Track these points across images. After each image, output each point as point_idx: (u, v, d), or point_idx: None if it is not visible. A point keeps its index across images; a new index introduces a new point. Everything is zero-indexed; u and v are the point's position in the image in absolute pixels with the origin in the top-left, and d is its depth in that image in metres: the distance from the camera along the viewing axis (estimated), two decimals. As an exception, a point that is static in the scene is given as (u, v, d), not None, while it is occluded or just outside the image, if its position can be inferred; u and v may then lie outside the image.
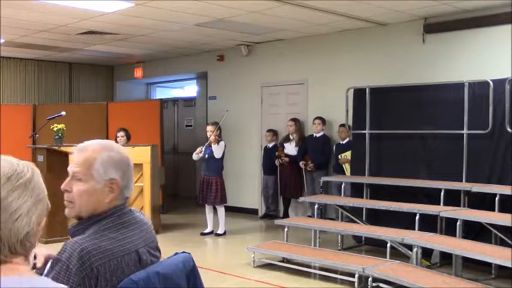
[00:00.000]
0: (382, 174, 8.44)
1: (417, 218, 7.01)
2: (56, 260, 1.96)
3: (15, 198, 1.33)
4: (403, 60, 9.17)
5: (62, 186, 2.13)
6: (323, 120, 9.99)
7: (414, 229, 6.98)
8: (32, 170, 1.42)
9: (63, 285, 1.43)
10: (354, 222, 8.12)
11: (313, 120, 10.04)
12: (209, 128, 9.15)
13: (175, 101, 15.16)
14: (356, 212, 8.32)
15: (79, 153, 2.15)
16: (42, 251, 2.23)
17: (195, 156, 9.26)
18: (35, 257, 2.17)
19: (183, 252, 2.35)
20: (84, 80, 14.34)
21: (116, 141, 9.78)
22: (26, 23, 9.25)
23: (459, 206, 7.19)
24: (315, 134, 10.07)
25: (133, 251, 2.09)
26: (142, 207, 9.04)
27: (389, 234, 6.81)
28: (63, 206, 2.15)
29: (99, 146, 2.16)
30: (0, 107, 11.87)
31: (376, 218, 8.09)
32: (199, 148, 9.17)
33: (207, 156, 9.11)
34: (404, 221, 7.44)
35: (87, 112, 12.26)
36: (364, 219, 8.27)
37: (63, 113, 9.15)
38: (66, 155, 8.16)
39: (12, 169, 1.37)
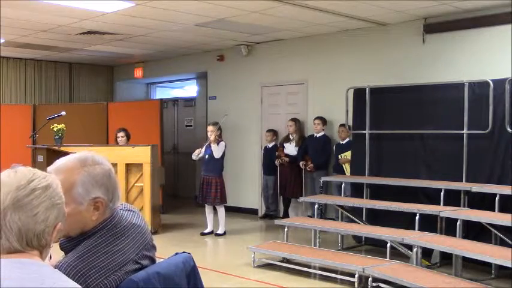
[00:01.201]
0: (382, 174, 8.43)
1: (417, 218, 7.01)
2: None
3: (36, 197, 1.52)
4: (403, 60, 9.16)
5: None
6: (323, 120, 9.99)
7: (414, 229, 6.98)
8: (52, 179, 1.61)
9: (70, 280, 1.55)
10: (354, 222, 8.12)
11: (314, 120, 10.05)
12: (210, 128, 9.15)
13: (175, 101, 15.15)
14: (356, 212, 8.32)
15: (56, 175, 2.00)
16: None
17: (194, 157, 9.28)
18: (50, 257, 2.15)
19: (183, 252, 2.34)
20: (84, 80, 14.34)
21: (116, 142, 9.83)
22: (26, 23, 9.25)
23: (459, 206, 7.19)
24: (315, 134, 10.07)
25: (130, 260, 2.06)
26: (143, 207, 9.04)
27: (390, 234, 6.81)
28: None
29: (76, 164, 2.07)
30: (0, 107, 11.86)
31: (376, 218, 8.08)
32: (198, 150, 9.20)
33: (207, 156, 9.11)
34: (404, 221, 7.44)
35: (87, 112, 12.26)
36: (364, 219, 8.27)
37: (63, 113, 9.15)
38: (66, 155, 8.16)
39: (35, 175, 1.57)
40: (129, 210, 2.23)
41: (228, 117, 9.75)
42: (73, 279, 1.86)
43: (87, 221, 2.04)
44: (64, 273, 1.85)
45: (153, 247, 2.23)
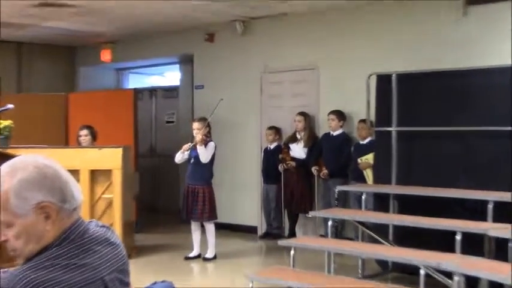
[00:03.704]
0: (413, 183, 8.40)
1: (458, 238, 6.97)
2: None
3: None
4: (438, 39, 9.14)
5: None
6: (340, 115, 9.98)
7: (454, 252, 6.94)
8: None
9: None
10: (378, 242, 8.08)
11: (328, 115, 10.04)
12: (196, 125, 9.14)
13: (152, 90, 15.18)
14: (380, 230, 8.29)
15: None
16: None
17: (178, 157, 9.24)
18: None
19: (163, 281, 2.39)
20: (38, 64, 14.29)
21: (78, 142, 9.79)
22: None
23: None
24: (331, 132, 10.06)
25: (99, 279, 2.07)
26: (112, 224, 9.00)
27: (423, 258, 6.77)
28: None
29: (4, 173, 2.10)
30: None
31: (405, 237, 8.05)
32: (187, 145, 9.15)
33: (192, 160, 9.08)
34: (441, 241, 7.39)
35: (42, 105, 12.23)
36: (390, 239, 8.24)
37: (10, 106, 9.09)
38: (13, 158, 8.09)
39: None
40: (102, 226, 2.26)
41: (219, 111, 9.70)
42: None
43: (42, 233, 2.07)
44: (12, 284, 1.91)
45: (128, 274, 2.26)
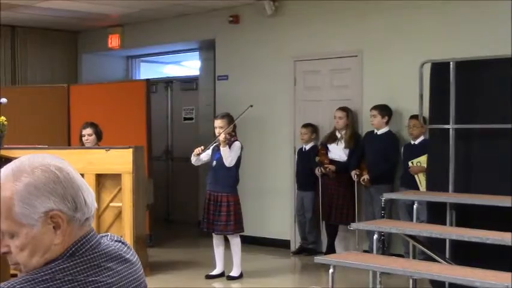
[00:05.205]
0: (474, 190, 8.35)
1: (528, 254, 6.93)
2: None
3: None
4: (507, 19, 9.05)
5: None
6: (383, 110, 9.97)
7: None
8: None
9: None
10: (432, 260, 8.05)
11: (370, 110, 10.02)
12: (218, 122, 9.17)
13: (168, 82, 15.24)
14: (435, 245, 8.25)
15: None
16: None
17: (193, 159, 9.25)
18: None
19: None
20: (35, 51, 14.38)
21: (81, 142, 9.82)
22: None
23: None
24: (375, 131, 10.05)
25: None
26: (121, 237, 9.03)
27: (486, 278, 6.72)
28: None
29: (8, 176, 2.09)
30: None
31: (465, 254, 8.01)
32: (199, 148, 9.16)
33: (214, 163, 9.09)
34: (508, 259, 7.34)
35: (40, 99, 12.30)
36: (447, 255, 8.20)
37: (4, 100, 9.16)
38: (8, 161, 8.16)
39: None
40: (117, 241, 2.29)
41: (245, 104, 9.72)
42: None
43: (48, 246, 2.06)
44: None
45: None
